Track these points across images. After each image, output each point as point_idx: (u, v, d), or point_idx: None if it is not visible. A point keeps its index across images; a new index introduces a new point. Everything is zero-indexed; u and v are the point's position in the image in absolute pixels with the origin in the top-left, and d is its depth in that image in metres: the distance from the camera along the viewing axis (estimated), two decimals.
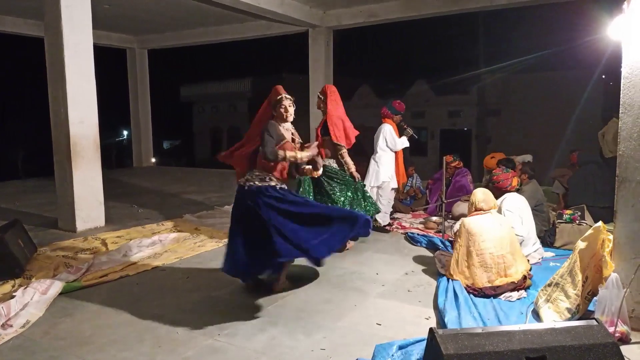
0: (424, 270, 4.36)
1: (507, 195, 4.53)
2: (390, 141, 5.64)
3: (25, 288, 3.64)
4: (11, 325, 3.16)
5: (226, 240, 3.84)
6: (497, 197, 4.27)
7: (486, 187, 4.50)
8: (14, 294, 3.56)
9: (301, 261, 3.73)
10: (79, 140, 5.76)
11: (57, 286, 3.76)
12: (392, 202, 6.13)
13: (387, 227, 5.85)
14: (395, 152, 5.78)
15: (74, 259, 4.64)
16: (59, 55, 5.59)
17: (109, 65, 13.60)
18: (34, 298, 3.52)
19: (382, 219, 5.80)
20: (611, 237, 3.12)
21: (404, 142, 5.73)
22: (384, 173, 5.67)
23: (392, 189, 5.87)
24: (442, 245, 4.94)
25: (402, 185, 6.79)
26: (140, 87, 13.32)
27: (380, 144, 5.67)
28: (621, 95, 3.05)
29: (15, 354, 2.87)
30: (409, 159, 6.57)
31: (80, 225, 5.81)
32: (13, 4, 8.98)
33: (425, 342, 2.32)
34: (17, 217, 5.34)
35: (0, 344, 2.96)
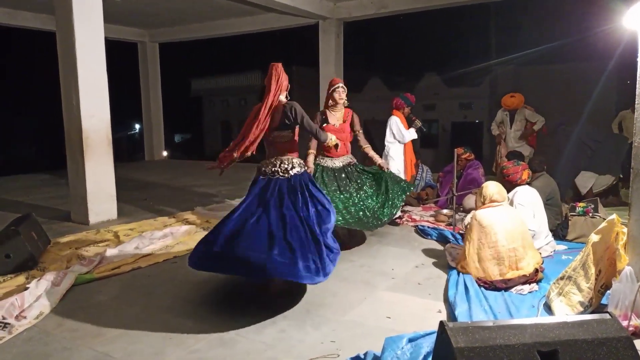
0: (434, 263, 4.34)
1: (518, 188, 4.49)
2: (397, 133, 5.63)
3: (39, 280, 3.68)
4: (25, 317, 3.20)
5: None
6: (508, 191, 4.23)
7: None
8: (27, 285, 3.61)
9: None
10: (90, 134, 5.79)
11: (69, 278, 3.81)
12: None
13: (397, 220, 5.83)
14: (404, 145, 5.76)
15: (87, 252, 4.69)
16: (70, 49, 5.60)
17: (121, 59, 13.64)
18: (47, 290, 3.56)
19: None
20: (625, 230, 3.08)
21: (412, 134, 5.71)
22: (392, 165, 5.66)
23: None
24: (452, 238, 4.92)
25: (412, 177, 6.76)
26: (152, 81, 13.35)
27: (387, 136, 5.68)
28: (637, 87, 2.99)
29: (28, 345, 2.91)
30: (418, 151, 6.55)
31: (93, 218, 5.86)
32: None
33: (435, 335, 2.30)
34: (30, 210, 5.41)
35: (14, 335, 3.00)
